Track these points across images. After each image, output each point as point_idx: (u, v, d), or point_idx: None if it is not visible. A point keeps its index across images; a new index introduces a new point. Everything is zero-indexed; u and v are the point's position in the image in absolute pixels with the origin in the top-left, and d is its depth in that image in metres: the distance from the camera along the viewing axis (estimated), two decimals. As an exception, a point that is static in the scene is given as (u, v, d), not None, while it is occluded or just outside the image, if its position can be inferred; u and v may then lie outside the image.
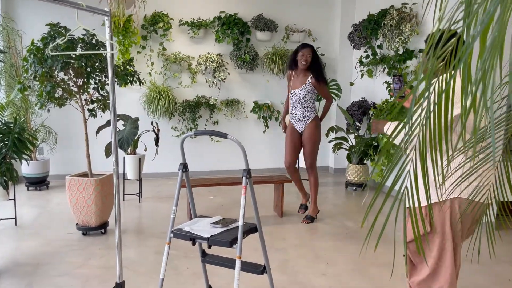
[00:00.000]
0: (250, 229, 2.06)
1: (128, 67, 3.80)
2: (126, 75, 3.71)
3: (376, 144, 5.57)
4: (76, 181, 3.76)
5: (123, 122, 4.58)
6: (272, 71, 6.19)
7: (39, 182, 5.50)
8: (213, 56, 6.05)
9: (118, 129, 4.26)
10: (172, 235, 2.06)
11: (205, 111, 6.27)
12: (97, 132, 4.44)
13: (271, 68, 6.14)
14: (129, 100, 5.99)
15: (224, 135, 1.94)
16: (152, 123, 5.02)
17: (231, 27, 6.02)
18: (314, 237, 3.98)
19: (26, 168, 5.42)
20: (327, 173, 6.82)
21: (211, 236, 1.95)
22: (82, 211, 3.79)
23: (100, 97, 3.89)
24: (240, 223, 1.92)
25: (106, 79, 3.81)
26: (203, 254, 2.30)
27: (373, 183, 5.93)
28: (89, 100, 3.84)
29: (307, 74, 4.12)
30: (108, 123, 4.27)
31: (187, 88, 6.18)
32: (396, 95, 2.23)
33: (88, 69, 3.64)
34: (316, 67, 4.10)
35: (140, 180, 5.14)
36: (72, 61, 3.55)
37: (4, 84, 5.23)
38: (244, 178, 1.89)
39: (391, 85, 2.22)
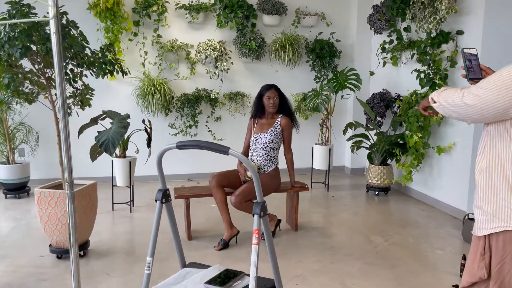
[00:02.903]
0: (266, 289, 1.37)
1: (107, 53, 3.09)
2: (104, 64, 3.00)
3: (402, 142, 4.84)
4: (46, 194, 3.08)
5: (110, 121, 3.89)
6: (281, 60, 5.46)
7: (19, 189, 4.83)
8: (215, 44, 5.34)
9: (104, 128, 3.60)
10: (146, 300, 1.37)
11: (206, 106, 5.56)
12: (80, 132, 3.74)
13: (280, 57, 5.42)
14: (120, 94, 5.29)
15: (224, 150, 1.22)
16: (143, 121, 4.32)
17: (235, 10, 5.29)
18: (336, 259, 3.28)
19: (2, 173, 4.76)
20: (343, 174, 6.10)
21: (205, 308, 1.26)
22: (55, 230, 3.11)
23: (75, 91, 3.19)
24: (251, 285, 1.22)
25: (82, 69, 3.11)
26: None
27: (398, 187, 5.21)
28: (62, 95, 3.14)
29: (275, 116, 3.70)
30: (92, 122, 3.60)
31: (186, 80, 5.47)
32: (470, 76, 1.61)
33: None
34: (286, 108, 3.71)
35: (131, 187, 4.46)
36: (37, 46, 2.86)
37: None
38: (256, 217, 1.18)
39: (465, 63, 1.51)
